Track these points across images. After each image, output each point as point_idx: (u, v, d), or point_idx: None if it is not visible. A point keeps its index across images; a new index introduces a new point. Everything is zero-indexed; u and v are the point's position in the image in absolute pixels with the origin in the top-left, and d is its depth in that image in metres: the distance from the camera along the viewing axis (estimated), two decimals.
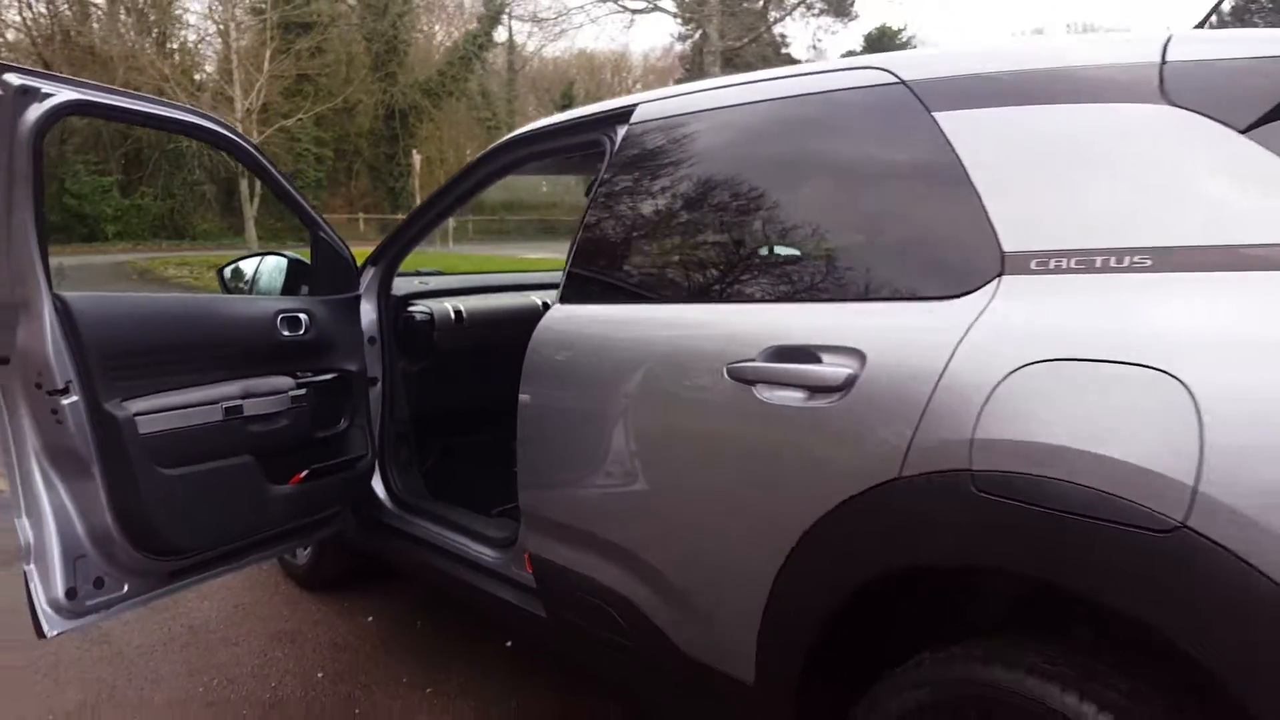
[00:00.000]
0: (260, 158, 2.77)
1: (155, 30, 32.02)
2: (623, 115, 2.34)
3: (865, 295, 1.69)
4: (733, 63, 33.55)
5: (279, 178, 2.84)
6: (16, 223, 2.14)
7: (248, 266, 3.32)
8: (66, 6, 31.88)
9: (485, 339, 3.43)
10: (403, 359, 3.29)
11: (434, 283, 3.56)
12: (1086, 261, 1.40)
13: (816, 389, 1.64)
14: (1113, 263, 1.37)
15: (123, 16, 31.86)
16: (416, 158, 30.77)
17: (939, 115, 1.65)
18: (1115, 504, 1.23)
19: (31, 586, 2.21)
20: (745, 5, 19.61)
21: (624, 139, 2.29)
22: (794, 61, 46.58)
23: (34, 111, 2.10)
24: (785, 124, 1.94)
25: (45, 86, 2.14)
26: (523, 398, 2.31)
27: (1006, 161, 1.54)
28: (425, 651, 3.09)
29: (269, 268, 3.23)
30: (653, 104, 2.28)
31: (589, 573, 2.19)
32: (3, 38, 31.27)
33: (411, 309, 3.31)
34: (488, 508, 3.03)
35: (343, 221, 32.80)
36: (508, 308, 3.63)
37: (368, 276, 3.18)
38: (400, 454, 3.27)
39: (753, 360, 1.75)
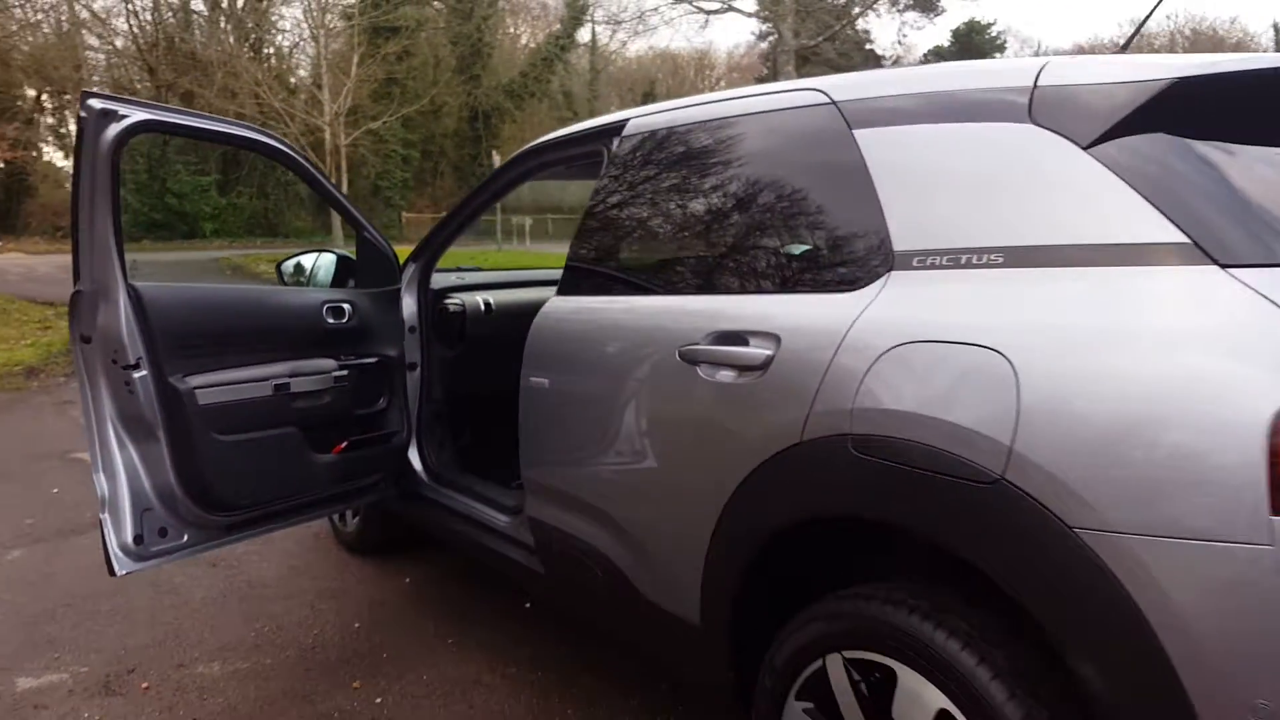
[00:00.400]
0: (310, 169, 3.12)
1: (252, 36, 33.34)
2: (617, 128, 2.62)
3: (789, 287, 1.96)
4: (810, 61, 33.53)
5: (328, 186, 3.19)
6: (98, 227, 2.51)
7: (305, 262, 3.70)
8: (170, 14, 33.47)
9: (511, 329, 3.74)
10: (439, 346, 3.63)
11: (470, 277, 3.90)
12: (954, 259, 1.64)
13: (743, 368, 1.91)
14: (975, 260, 1.62)
15: (222, 24, 33.27)
16: (497, 158, 31.46)
17: (857, 132, 1.90)
18: (949, 459, 1.49)
19: (105, 532, 2.59)
20: (821, 4, 19.64)
21: (615, 150, 2.58)
22: (878, 59, 46.22)
23: (111, 130, 2.48)
24: (737, 139, 2.20)
25: (121, 109, 2.52)
26: (523, 380, 2.63)
27: (902, 172, 1.79)
28: (453, 609, 3.43)
29: (321, 263, 3.61)
30: (640, 119, 2.56)
31: (574, 531, 2.49)
32: (112, 44, 33.05)
33: (447, 301, 3.65)
34: (509, 481, 3.35)
35: (428, 220, 33.65)
36: (532, 300, 3.93)
37: (409, 272, 3.53)
38: (436, 432, 3.61)
39: (698, 344, 2.03)
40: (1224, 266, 1.34)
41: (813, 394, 1.74)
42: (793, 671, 1.83)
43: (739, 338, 1.95)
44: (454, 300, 3.65)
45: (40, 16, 31.43)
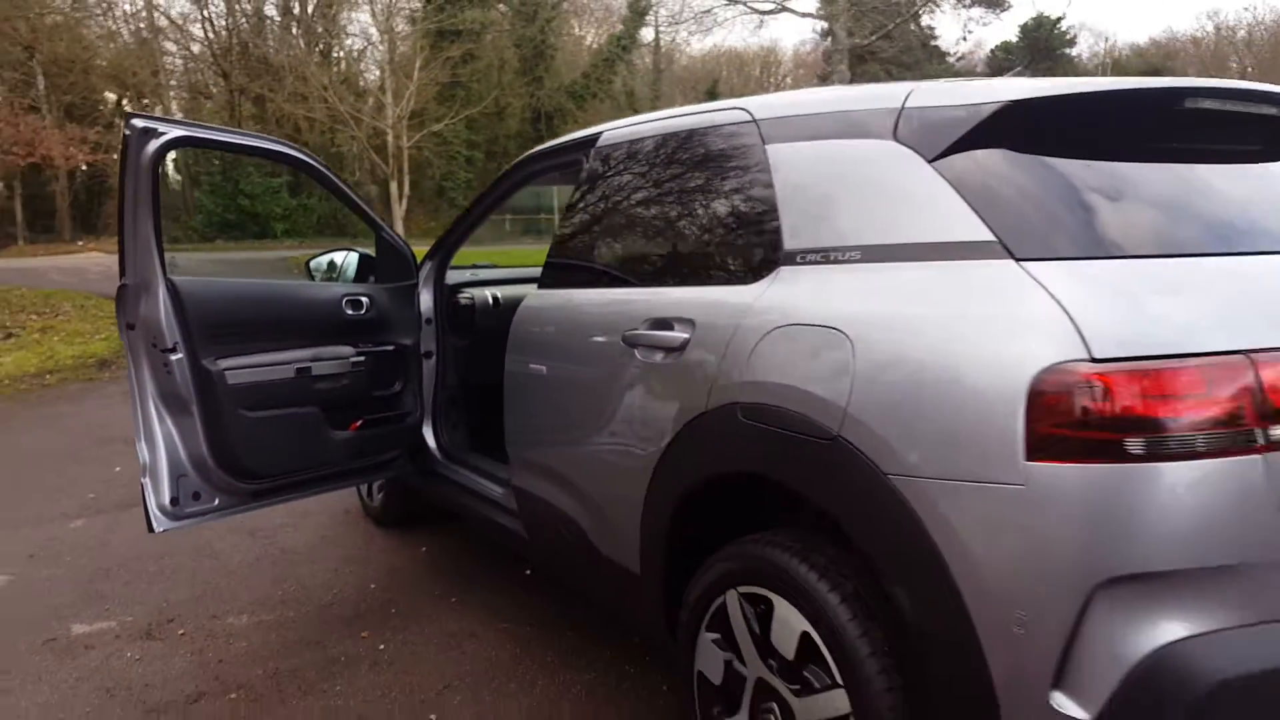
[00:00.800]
0: (332, 178, 3.49)
1: (321, 42, 34.38)
2: (593, 140, 2.94)
3: (708, 280, 2.26)
4: (867, 60, 33.38)
5: (348, 192, 3.56)
6: (141, 229, 2.90)
7: (333, 259, 4.08)
8: (244, 19, 34.67)
9: None
10: (452, 336, 3.99)
11: (482, 274, 4.25)
12: (826, 256, 1.93)
13: (668, 349, 2.22)
14: (839, 257, 1.90)
15: (294, 30, 34.37)
16: None
17: (768, 147, 2.19)
18: (804, 421, 1.78)
19: (146, 494, 2.98)
20: (875, 3, 19.67)
21: (589, 160, 2.89)
22: (942, 55, 45.71)
23: (151, 145, 2.86)
24: (680, 151, 2.50)
25: (160, 127, 2.91)
26: (507, 364, 2.97)
27: (795, 181, 2.08)
28: (461, 574, 3.78)
29: (346, 261, 3.99)
30: (610, 132, 2.87)
31: (548, 498, 2.82)
32: (189, 50, 34.38)
33: (459, 296, 4.00)
34: (506, 457, 3.69)
35: (491, 221, 34.23)
36: None
37: (426, 269, 3.89)
38: (449, 414, 3.97)
39: (638, 329, 2.34)
40: (1018, 260, 1.61)
41: (715, 370, 2.05)
42: (703, 607, 2.12)
43: (667, 323, 2.26)
44: (465, 295, 4.01)
45: (120, 25, 32.84)
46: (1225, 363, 1.43)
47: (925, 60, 42.26)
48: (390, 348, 3.66)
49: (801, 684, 1.85)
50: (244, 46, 34.55)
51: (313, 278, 4.08)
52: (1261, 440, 1.43)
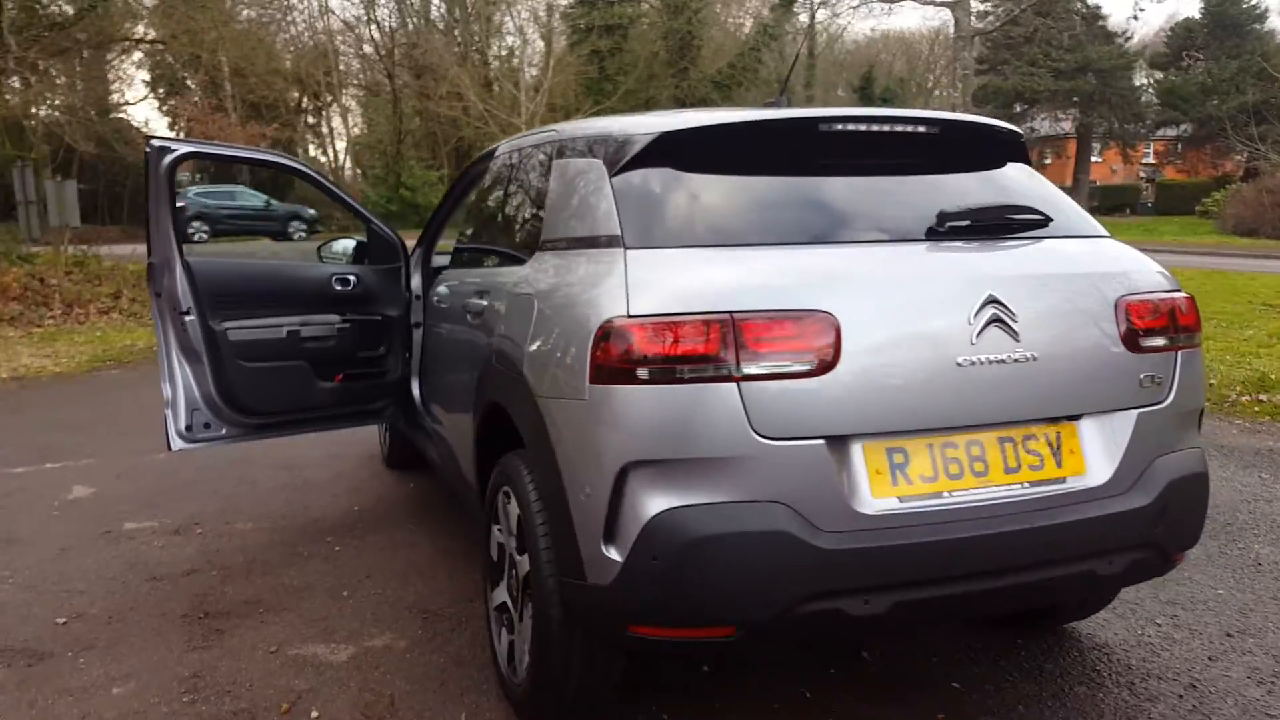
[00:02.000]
0: (321, 179, 4.38)
1: (477, 40, 36.25)
2: (494, 152, 3.70)
3: (505, 262, 2.99)
4: (1020, 45, 32.39)
5: (338, 192, 4.45)
6: (162, 222, 3.85)
7: (336, 246, 4.98)
8: (411, 21, 36.99)
9: None
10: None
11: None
12: (554, 245, 2.63)
13: (475, 314, 2.98)
14: (559, 245, 2.61)
15: (456, 34, 36.42)
16: None
17: (555, 161, 2.89)
18: (509, 362, 2.52)
19: (167, 422, 3.94)
20: None
21: (489, 165, 3.65)
22: (1110, 36, 43.52)
23: (166, 159, 3.81)
24: (518, 163, 3.24)
25: (172, 144, 3.85)
26: (422, 326, 3.80)
27: (557, 188, 2.77)
28: (429, 505, 4.63)
29: (344, 247, 4.88)
30: (503, 145, 3.62)
31: (439, 429, 3.62)
32: (360, 53, 37.03)
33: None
34: None
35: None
36: None
37: (416, 253, 4.74)
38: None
39: (469, 298, 3.11)
40: (625, 248, 2.26)
41: (493, 328, 2.79)
42: (491, 505, 2.86)
43: (482, 293, 3.01)
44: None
45: (298, 30, 35.71)
46: (714, 319, 2.05)
47: (1088, 42, 40.48)
48: (377, 318, 4.53)
49: (519, 549, 2.57)
50: (411, 47, 36.90)
51: (320, 259, 5.00)
52: (738, 374, 2.05)
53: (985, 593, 2.24)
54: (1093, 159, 49.23)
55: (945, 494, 2.18)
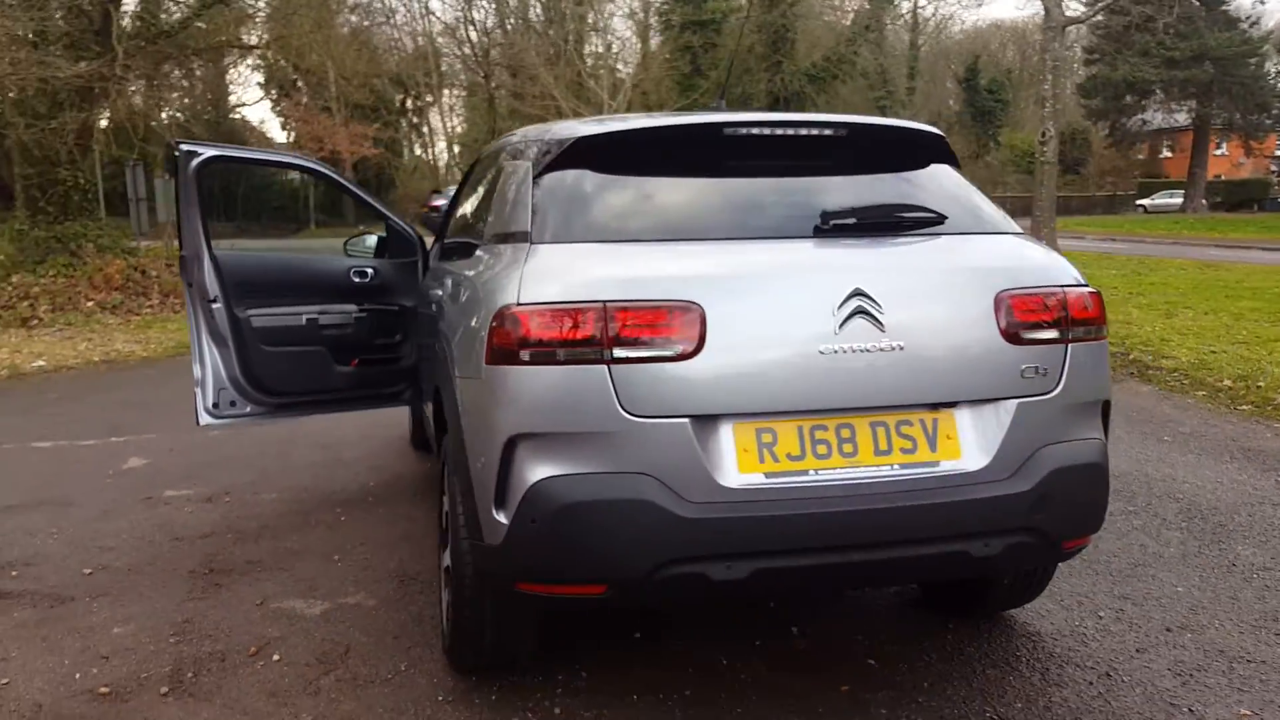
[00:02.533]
0: (341, 181, 4.74)
1: (570, 40, 36.80)
2: (480, 153, 3.98)
3: (471, 255, 3.25)
4: (1123, 36, 31.11)
5: (358, 192, 4.81)
6: (192, 220, 4.25)
7: (358, 240, 5.32)
8: (509, 22, 37.83)
9: None
10: None
11: None
12: (500, 239, 2.86)
13: (438, 301, 3.26)
14: (498, 239, 2.84)
15: (551, 35, 37.07)
16: None
17: (512, 161, 3.14)
18: (441, 344, 2.77)
19: (196, 400, 4.35)
20: None
21: (475, 166, 3.94)
22: (1232, 20, 41.42)
23: (194, 162, 4.20)
24: (489, 163, 3.50)
25: (199, 148, 4.25)
26: (418, 310, 4.11)
27: (503, 186, 3.02)
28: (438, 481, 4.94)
29: (366, 242, 5.22)
30: (485, 148, 3.89)
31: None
32: (459, 53, 38.05)
33: None
34: None
35: None
36: None
37: (435, 248, 5.06)
38: None
39: (439, 287, 3.39)
40: (531, 243, 2.50)
41: (441, 316, 3.07)
42: (441, 476, 3.13)
43: (441, 284, 3.30)
44: None
45: (400, 33, 36.91)
46: (589, 308, 2.27)
47: (1207, 29, 38.72)
48: (394, 308, 4.87)
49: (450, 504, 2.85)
50: (510, 47, 37.76)
51: (346, 253, 5.36)
52: (610, 357, 2.26)
53: (850, 565, 2.40)
54: (1216, 153, 47.04)
55: (811, 472, 2.35)
